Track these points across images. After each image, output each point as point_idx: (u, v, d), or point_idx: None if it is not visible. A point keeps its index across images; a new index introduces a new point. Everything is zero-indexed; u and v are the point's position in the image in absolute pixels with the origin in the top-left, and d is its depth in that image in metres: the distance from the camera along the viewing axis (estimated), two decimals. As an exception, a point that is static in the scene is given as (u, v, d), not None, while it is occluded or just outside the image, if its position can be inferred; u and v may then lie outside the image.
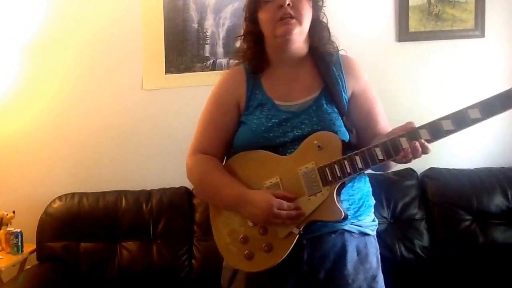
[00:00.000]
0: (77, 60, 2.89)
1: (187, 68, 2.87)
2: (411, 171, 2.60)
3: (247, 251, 1.51)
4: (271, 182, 1.51)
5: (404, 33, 2.69)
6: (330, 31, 1.62)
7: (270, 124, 1.53)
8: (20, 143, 2.93)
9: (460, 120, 1.30)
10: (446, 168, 2.61)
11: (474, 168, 2.62)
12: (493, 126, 2.59)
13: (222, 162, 1.65)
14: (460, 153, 2.67)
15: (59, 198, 2.75)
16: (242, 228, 1.53)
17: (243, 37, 1.65)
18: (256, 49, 1.61)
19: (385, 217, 2.52)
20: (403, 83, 2.73)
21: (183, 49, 2.86)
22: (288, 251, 1.44)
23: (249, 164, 1.56)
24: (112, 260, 2.62)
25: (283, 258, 1.45)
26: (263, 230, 1.49)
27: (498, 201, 2.49)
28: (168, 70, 2.87)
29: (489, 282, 2.39)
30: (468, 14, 2.65)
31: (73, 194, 2.75)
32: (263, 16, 1.54)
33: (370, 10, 2.73)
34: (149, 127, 2.88)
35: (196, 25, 2.86)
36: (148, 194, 2.72)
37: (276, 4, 1.49)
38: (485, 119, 1.28)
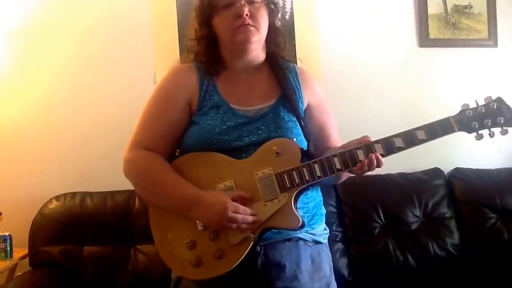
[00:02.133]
0: (79, 50, 2.65)
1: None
2: (438, 170, 2.66)
3: (194, 257, 1.41)
4: (224, 185, 1.43)
5: (424, 39, 2.80)
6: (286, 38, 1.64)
7: (225, 127, 1.47)
8: (11, 136, 2.61)
9: (409, 139, 1.39)
10: (470, 168, 2.69)
11: (496, 168, 2.72)
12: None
13: (166, 161, 1.54)
14: (483, 153, 2.75)
15: (56, 198, 2.47)
16: (190, 232, 1.43)
17: (196, 40, 1.58)
18: (211, 52, 1.56)
19: (417, 216, 2.54)
20: (423, 85, 2.82)
21: (198, 44, 2.73)
22: (242, 258, 1.38)
23: (200, 165, 1.47)
24: (125, 265, 2.38)
25: (235, 265, 1.38)
26: (214, 235, 1.41)
27: (520, 199, 2.59)
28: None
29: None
30: (482, 25, 2.81)
31: (73, 194, 2.49)
32: (220, 23, 1.51)
33: (393, 18, 2.82)
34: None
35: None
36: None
37: (234, 13, 1.47)
38: (430, 141, 1.38)
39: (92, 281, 2.34)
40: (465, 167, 2.69)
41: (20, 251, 2.43)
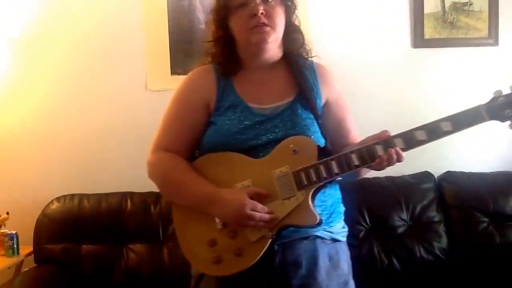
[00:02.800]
0: (76, 57, 2.77)
1: (195, 70, 2.80)
2: (428, 174, 2.63)
3: (215, 255, 1.45)
4: (242, 185, 1.45)
5: (419, 40, 2.73)
6: (304, 35, 1.61)
7: (242, 126, 1.49)
8: (15, 140, 2.78)
9: (433, 131, 1.35)
10: (462, 172, 2.64)
11: (489, 172, 2.66)
12: (507, 130, 2.63)
13: (188, 162, 1.58)
14: (476, 157, 2.71)
15: (57, 199, 2.63)
16: (210, 230, 1.47)
17: (213, 42, 1.60)
18: (227, 53, 1.57)
19: (404, 220, 2.52)
20: (418, 88, 2.75)
21: (189, 50, 2.77)
22: (260, 256, 1.40)
23: (219, 165, 1.50)
24: (118, 263, 2.51)
25: (254, 262, 1.40)
26: (233, 233, 1.44)
27: (513, 203, 2.53)
28: (174, 71, 2.78)
29: (506, 284, 2.39)
30: (482, 23, 2.71)
31: (72, 196, 2.63)
32: (235, 23, 1.52)
33: (387, 17, 2.76)
34: (154, 128, 2.75)
35: (203, 26, 2.77)
36: (156, 196, 2.59)
37: (249, 12, 1.47)
38: (456, 132, 1.34)
39: (90, 277, 2.48)
40: (457, 170, 2.63)
41: (26, 248, 2.58)
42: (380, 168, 1.38)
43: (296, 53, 1.60)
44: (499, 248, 2.46)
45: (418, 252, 2.47)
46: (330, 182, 1.45)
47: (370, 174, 2.51)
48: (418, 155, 2.53)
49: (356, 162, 1.38)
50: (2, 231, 2.57)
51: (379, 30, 2.75)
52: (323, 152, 1.44)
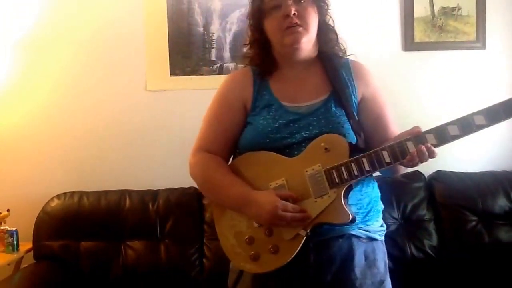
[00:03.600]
0: (76, 57, 2.84)
1: (193, 71, 2.86)
2: (419, 173, 2.67)
3: (252, 252, 1.49)
4: (276, 184, 1.49)
5: (409, 43, 2.80)
6: (338, 34, 1.64)
7: (277, 125, 1.52)
8: (16, 139, 2.83)
9: (466, 125, 1.33)
10: (452, 171, 2.69)
11: (478, 172, 2.71)
12: (496, 131, 2.67)
13: (227, 163, 1.64)
14: (465, 157, 2.76)
15: (57, 196, 2.67)
16: (248, 229, 1.51)
17: (249, 45, 1.65)
18: (264, 54, 1.62)
19: (395, 218, 2.57)
20: (408, 90, 2.81)
21: (188, 52, 2.86)
22: (295, 253, 1.43)
23: (254, 165, 1.55)
24: (117, 260, 2.55)
25: (289, 259, 1.43)
26: (269, 231, 1.48)
27: (501, 203, 2.58)
28: (173, 72, 2.86)
29: (494, 280, 2.45)
30: (470, 27, 2.79)
31: (72, 193, 2.68)
32: (269, 25, 1.56)
33: (378, 21, 2.82)
34: (153, 127, 2.85)
35: (201, 29, 2.86)
36: (154, 194, 2.66)
37: (282, 14, 1.50)
38: (490, 126, 1.32)
39: (88, 273, 2.52)
40: (447, 170, 2.68)
41: (26, 245, 2.62)
42: (412, 164, 1.38)
43: (330, 52, 1.62)
44: (488, 247, 2.51)
45: (409, 250, 2.51)
46: (364, 179, 1.47)
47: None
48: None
49: (388, 160, 1.38)
50: (2, 228, 2.61)
51: (370, 33, 2.80)
52: (355, 149, 1.46)
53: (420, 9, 2.79)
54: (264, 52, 1.62)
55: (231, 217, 1.55)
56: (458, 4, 2.79)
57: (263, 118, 1.55)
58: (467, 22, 2.80)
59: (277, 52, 1.61)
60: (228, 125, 1.61)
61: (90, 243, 2.57)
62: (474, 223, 2.56)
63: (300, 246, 1.43)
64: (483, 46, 2.81)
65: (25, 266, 2.59)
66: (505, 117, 1.31)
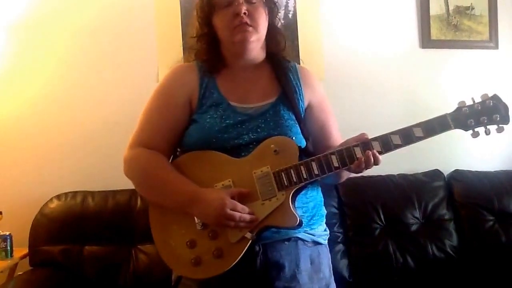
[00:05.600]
0: (84, 50, 2.64)
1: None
2: (438, 172, 2.67)
3: (193, 256, 1.41)
4: (223, 185, 1.43)
5: (426, 40, 2.80)
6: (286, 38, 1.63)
7: (224, 125, 1.47)
8: (10, 133, 2.59)
9: (407, 136, 1.38)
10: (470, 170, 2.70)
11: (494, 170, 2.74)
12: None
13: (167, 160, 1.55)
14: (482, 156, 2.79)
15: (57, 197, 2.47)
16: (189, 231, 1.43)
17: (196, 38, 1.59)
18: (211, 50, 1.57)
19: (417, 218, 2.55)
20: (425, 85, 2.82)
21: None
22: (240, 257, 1.38)
23: (199, 164, 1.48)
24: (126, 265, 2.38)
25: (233, 264, 1.38)
26: (213, 234, 1.41)
27: (517, 203, 2.61)
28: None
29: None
30: (483, 26, 2.82)
31: (75, 193, 2.48)
32: (219, 22, 1.51)
33: (395, 18, 2.82)
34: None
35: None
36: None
37: (232, 12, 1.48)
38: (427, 138, 1.38)
39: (93, 281, 2.33)
40: (465, 169, 2.70)
41: (20, 250, 2.42)
42: (359, 170, 1.39)
43: (279, 55, 1.60)
44: (505, 247, 2.52)
45: (430, 250, 2.50)
46: (310, 183, 1.44)
47: (384, 171, 2.58)
48: (428, 153, 2.63)
49: (336, 164, 1.39)
50: (-6, 232, 2.38)
51: (388, 31, 2.82)
52: (304, 153, 1.45)
53: (436, 7, 2.81)
54: (211, 47, 1.56)
55: (172, 219, 1.46)
56: (471, 3, 2.82)
57: (210, 116, 1.49)
58: (480, 21, 2.84)
59: (225, 49, 1.56)
60: (170, 120, 1.52)
61: (96, 247, 2.39)
62: (491, 223, 2.58)
63: (245, 249, 1.38)
64: (496, 46, 2.86)
65: (20, 273, 2.37)
66: (439, 132, 1.39)
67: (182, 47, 2.65)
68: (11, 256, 2.39)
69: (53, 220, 2.40)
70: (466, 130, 1.40)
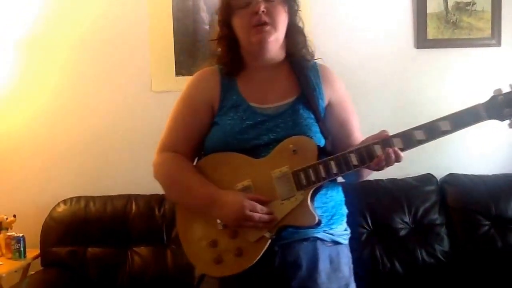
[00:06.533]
0: (80, 59, 2.79)
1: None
2: (430, 176, 2.63)
3: (216, 255, 1.46)
4: (243, 185, 1.46)
5: (422, 40, 2.71)
6: (307, 36, 1.61)
7: (244, 126, 1.49)
8: (22, 143, 2.81)
9: (431, 131, 1.34)
10: (465, 174, 2.63)
11: (491, 174, 2.65)
12: (509, 132, 2.63)
13: (193, 163, 1.60)
14: (478, 159, 2.70)
15: (64, 201, 2.65)
16: (212, 232, 1.48)
17: (217, 41, 1.61)
18: (231, 53, 1.58)
19: (406, 223, 2.53)
20: (421, 89, 2.74)
21: (194, 51, 2.79)
22: (259, 256, 1.41)
23: (220, 166, 1.52)
24: (123, 266, 2.54)
25: (253, 262, 1.41)
26: (234, 234, 1.45)
27: (515, 207, 2.52)
28: (179, 72, 2.79)
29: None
30: (485, 23, 2.70)
31: (78, 198, 2.66)
32: (238, 22, 1.52)
33: (389, 17, 2.75)
34: (159, 130, 2.77)
35: (207, 27, 2.79)
36: (160, 199, 2.62)
37: (251, 11, 1.48)
38: (454, 132, 1.33)
39: (95, 281, 2.50)
40: (460, 173, 2.63)
41: (33, 251, 2.61)
42: (379, 168, 1.38)
43: (298, 54, 1.60)
44: (501, 252, 2.47)
45: (420, 255, 2.47)
46: (329, 182, 1.45)
47: (373, 176, 2.56)
48: (421, 157, 2.58)
49: (355, 162, 1.38)
50: (9, 234, 2.59)
51: (381, 29, 2.73)
52: (323, 152, 1.45)
53: (433, 5, 2.70)
54: (232, 50, 1.58)
55: (195, 219, 1.53)
56: (472, -1, 2.70)
57: (230, 118, 1.52)
58: (481, 17, 2.71)
59: (245, 51, 1.58)
60: (194, 126, 1.58)
61: (97, 249, 2.56)
62: (487, 227, 2.51)
63: (265, 249, 1.41)
64: (498, 43, 2.72)
65: (32, 273, 2.58)
66: (469, 124, 1.33)
67: (174, 57, 2.77)
68: (25, 256, 2.58)
69: (61, 223, 2.58)
70: (502, 120, 1.35)
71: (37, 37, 2.76)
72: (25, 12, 2.74)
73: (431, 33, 2.71)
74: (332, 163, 1.39)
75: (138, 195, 2.65)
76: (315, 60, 1.63)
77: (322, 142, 1.49)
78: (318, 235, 1.48)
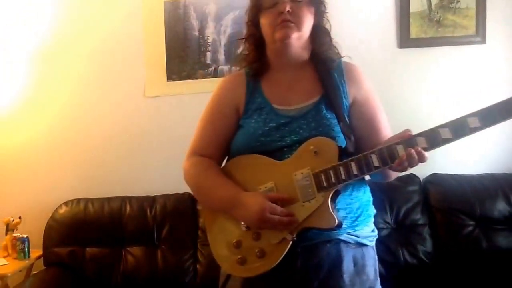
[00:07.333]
0: (81, 69, 2.94)
1: (189, 75, 2.90)
2: (413, 176, 2.60)
3: (240, 256, 1.49)
4: (265, 187, 1.49)
5: (405, 40, 2.70)
6: (333, 37, 1.61)
7: (267, 128, 1.52)
8: (27, 149, 2.97)
9: (459, 128, 1.27)
10: (449, 174, 2.61)
11: (476, 174, 2.61)
12: (495, 132, 2.57)
13: (220, 166, 1.65)
14: (463, 159, 2.67)
15: (65, 203, 2.78)
16: (236, 233, 1.52)
17: (245, 40, 1.66)
18: (257, 52, 1.62)
19: (388, 223, 2.53)
20: (404, 89, 2.73)
21: (184, 57, 2.90)
22: (281, 258, 1.42)
23: (244, 168, 1.55)
24: (117, 265, 2.65)
25: (275, 264, 1.42)
26: (256, 235, 1.48)
27: (500, 207, 2.49)
28: (170, 77, 2.91)
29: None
30: (469, 20, 2.66)
31: (78, 200, 2.78)
32: (264, 21, 1.55)
33: (371, 17, 2.74)
34: (152, 134, 2.93)
35: (197, 33, 2.89)
36: (151, 200, 2.74)
37: (277, 10, 1.51)
38: (485, 128, 1.25)
39: (93, 280, 2.61)
40: (443, 173, 2.60)
41: (36, 251, 2.74)
42: (401, 169, 1.34)
43: (323, 55, 1.60)
44: (485, 253, 2.44)
45: (402, 256, 2.47)
46: (356, 182, 1.45)
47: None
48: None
49: (376, 163, 1.35)
50: (14, 235, 2.73)
51: (363, 29, 2.73)
52: (345, 153, 1.44)
53: (416, 3, 2.69)
54: (257, 49, 1.62)
55: (221, 221, 1.56)
56: (456, -4, 2.66)
57: (254, 121, 1.56)
58: (466, 15, 2.67)
59: (270, 51, 1.61)
60: (221, 130, 1.62)
61: (95, 249, 2.67)
62: (471, 228, 2.49)
63: (286, 250, 1.42)
64: (483, 40, 2.68)
65: (35, 272, 2.70)
66: (501, 119, 1.24)
67: (165, 63, 2.89)
68: (29, 256, 2.71)
69: (62, 225, 2.70)
70: None
71: (39, 50, 2.91)
72: (37, 25, 2.90)
73: (414, 32, 2.69)
74: (353, 164, 1.38)
75: (132, 196, 2.77)
76: (341, 58, 1.63)
77: (343, 143, 1.48)
78: (342, 237, 1.48)
